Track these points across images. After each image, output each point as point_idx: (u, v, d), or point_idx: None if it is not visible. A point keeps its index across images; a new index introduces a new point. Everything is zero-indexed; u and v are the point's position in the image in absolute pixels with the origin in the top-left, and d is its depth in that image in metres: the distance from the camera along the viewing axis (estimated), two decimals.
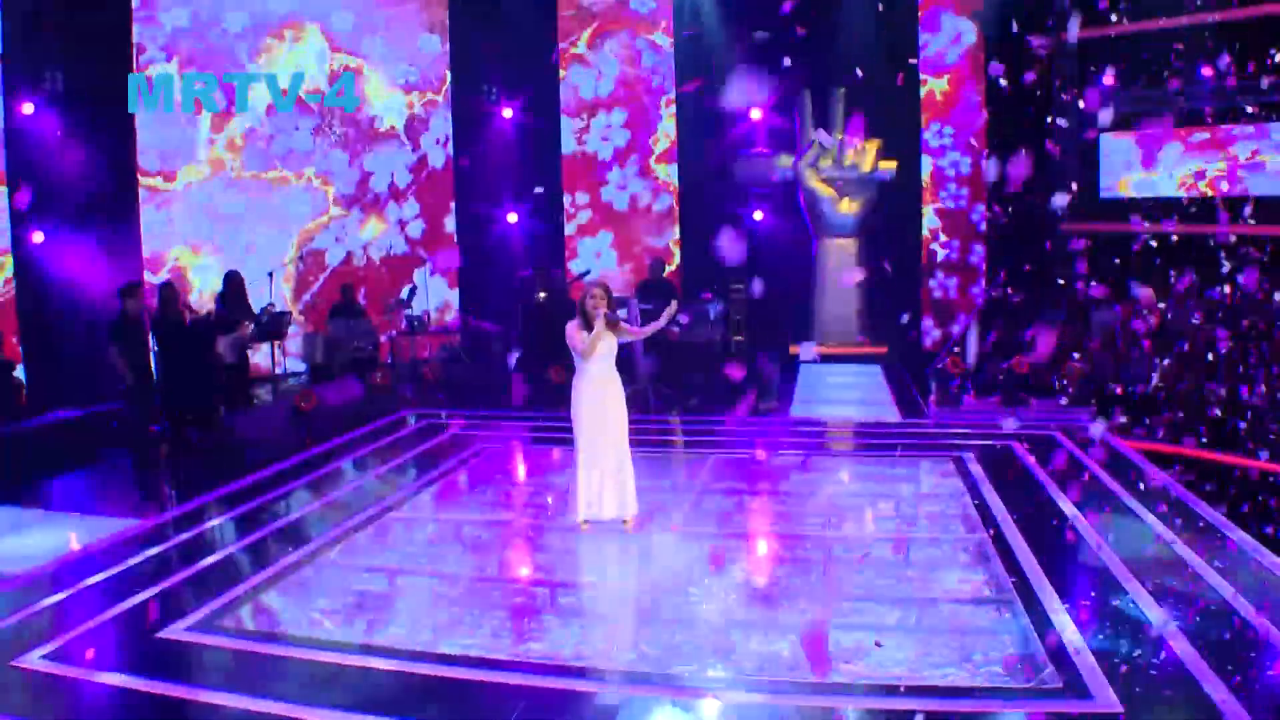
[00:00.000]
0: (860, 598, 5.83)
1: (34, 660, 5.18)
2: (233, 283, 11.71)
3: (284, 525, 7.36)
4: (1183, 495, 7.40)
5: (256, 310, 11.73)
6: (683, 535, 7.00)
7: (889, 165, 14.52)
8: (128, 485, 8.77)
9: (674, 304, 6.91)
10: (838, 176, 14.63)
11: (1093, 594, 5.55)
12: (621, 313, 12.05)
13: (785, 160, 14.80)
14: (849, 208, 14.68)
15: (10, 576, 6.41)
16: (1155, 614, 5.28)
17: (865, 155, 14.56)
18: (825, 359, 14.27)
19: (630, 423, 7.06)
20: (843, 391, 11.80)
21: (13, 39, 10.93)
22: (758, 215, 15.08)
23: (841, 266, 14.81)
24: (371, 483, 8.59)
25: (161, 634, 5.49)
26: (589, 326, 6.79)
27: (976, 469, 8.29)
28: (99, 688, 4.90)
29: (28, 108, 11.35)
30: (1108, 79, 11.91)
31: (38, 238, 11.44)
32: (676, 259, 15.42)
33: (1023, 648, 5.08)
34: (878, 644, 5.10)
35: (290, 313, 12.33)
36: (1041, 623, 5.27)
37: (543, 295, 12.09)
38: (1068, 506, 7.20)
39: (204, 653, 5.29)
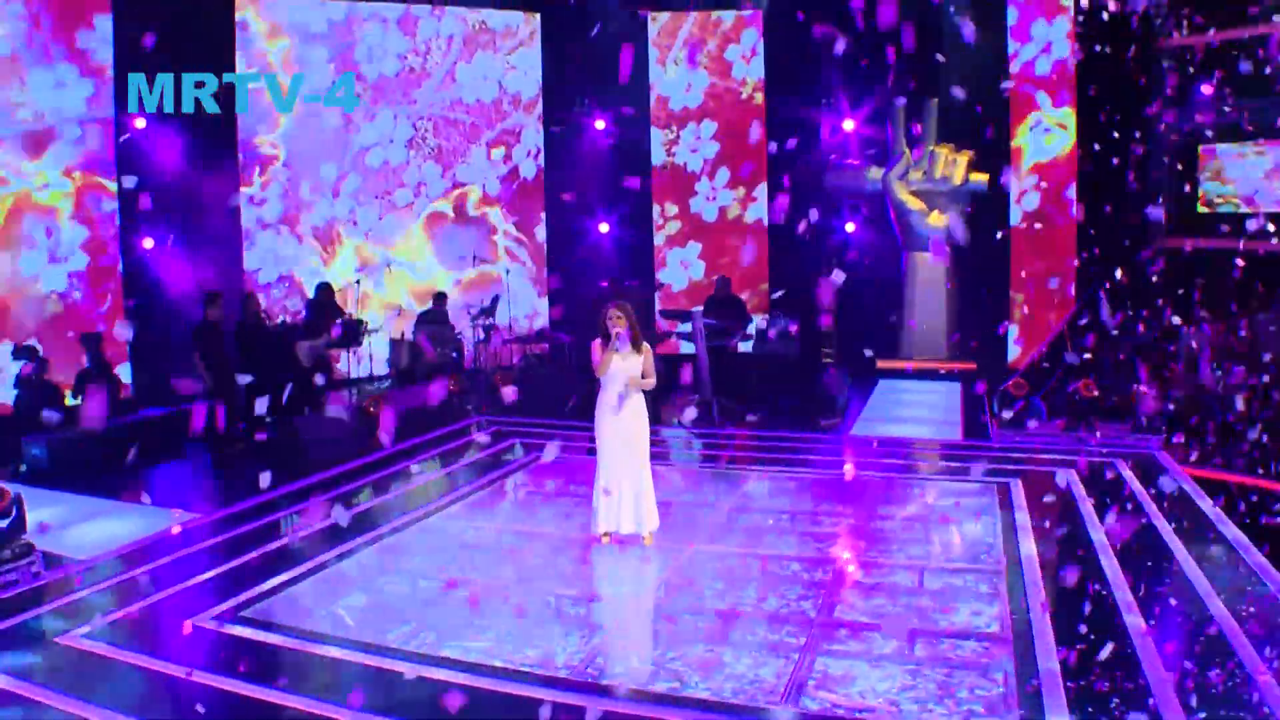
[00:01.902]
0: (865, 626, 5.75)
1: (75, 639, 5.66)
2: (323, 292, 12.26)
3: (322, 528, 7.69)
4: (1232, 535, 6.97)
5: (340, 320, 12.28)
6: (700, 553, 7.03)
7: (980, 178, 14.18)
8: (199, 481, 9.33)
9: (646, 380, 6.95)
10: (928, 189, 14.38)
11: (1090, 638, 5.32)
12: (685, 327, 12.24)
13: (875, 172, 14.63)
14: (938, 221, 14.39)
15: (76, 561, 6.98)
16: (1151, 664, 5.04)
17: (956, 167, 14.26)
18: (909, 374, 14.02)
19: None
20: (914, 410, 11.55)
21: (124, 56, 11.69)
22: (850, 227, 14.91)
23: (931, 280, 14.59)
24: (421, 487, 8.90)
25: (192, 621, 5.90)
26: (612, 344, 6.90)
27: (1021, 497, 8.01)
28: (125, 668, 5.31)
29: (140, 122, 12.15)
30: (1206, 88, 11.31)
31: (147, 244, 12.25)
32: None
33: (1008, 688, 4.94)
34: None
35: (366, 321, 12.82)
36: (1026, 664, 5.11)
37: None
38: (1101, 543, 6.88)
39: (226, 640, 5.68)
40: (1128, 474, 8.53)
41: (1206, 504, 7.68)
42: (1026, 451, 9.42)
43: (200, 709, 4.83)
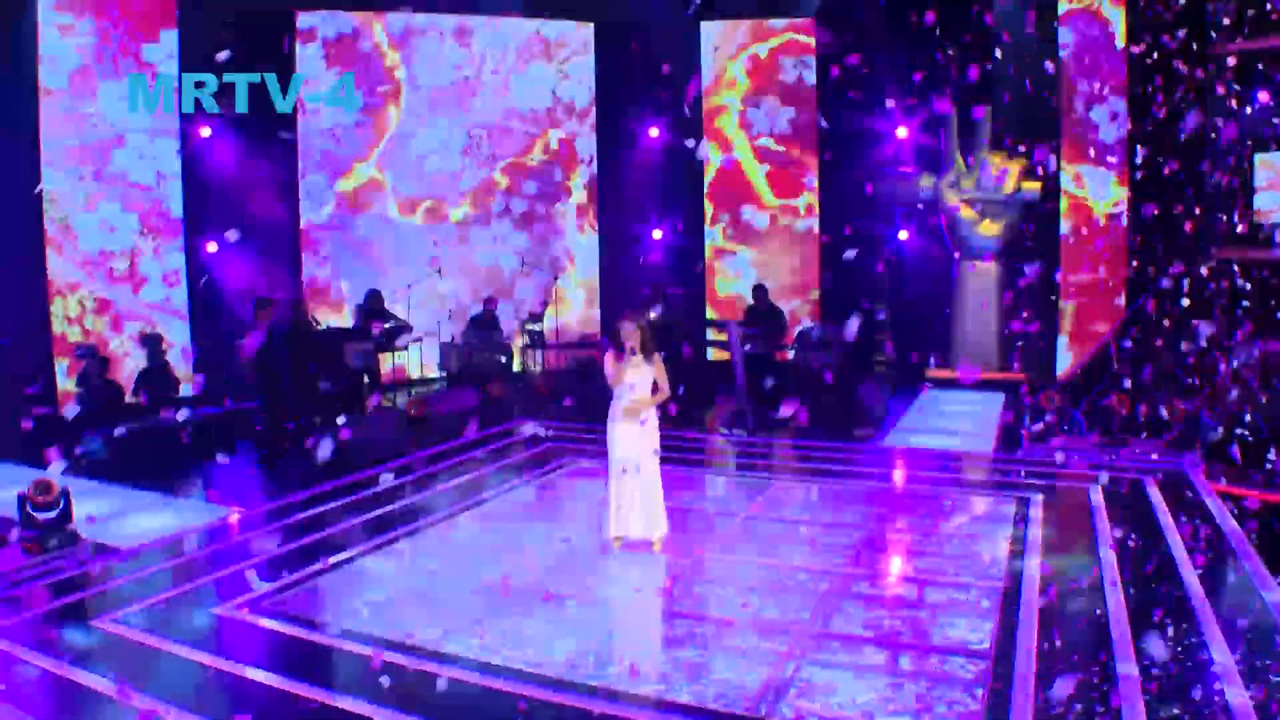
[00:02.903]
0: (857, 639, 5.81)
1: (107, 623, 6.08)
2: (373, 298, 12.67)
3: (351, 525, 8.05)
4: (1249, 559, 6.81)
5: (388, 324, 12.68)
6: (708, 560, 7.16)
7: (1033, 186, 14.00)
8: (244, 478, 9.76)
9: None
10: (979, 197, 14.26)
11: (1072, 660, 5.33)
12: (721, 336, 12.35)
13: (927, 180, 14.54)
14: (990, 229, 14.26)
15: (121, 550, 7.44)
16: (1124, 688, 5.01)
17: (1008, 176, 14.10)
18: (956, 384, 13.89)
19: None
20: (952, 420, 11.47)
21: (189, 68, 12.25)
22: (903, 235, 14.86)
23: (983, 290, 14.44)
24: (453, 489, 9.16)
25: (217, 610, 6.32)
26: (625, 356, 7.11)
27: (1037, 512, 7.95)
28: (152, 652, 5.69)
29: (205, 131, 12.70)
30: (1264, 95, 11.02)
31: (211, 248, 12.79)
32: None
33: (983, 704, 4.98)
34: None
35: (410, 326, 13.16)
36: (1002, 682, 5.14)
37: (653, 316, 12.40)
38: (1109, 562, 6.78)
39: (247, 629, 6.06)
40: (1153, 492, 8.38)
41: (1230, 525, 7.49)
42: (1053, 466, 9.32)
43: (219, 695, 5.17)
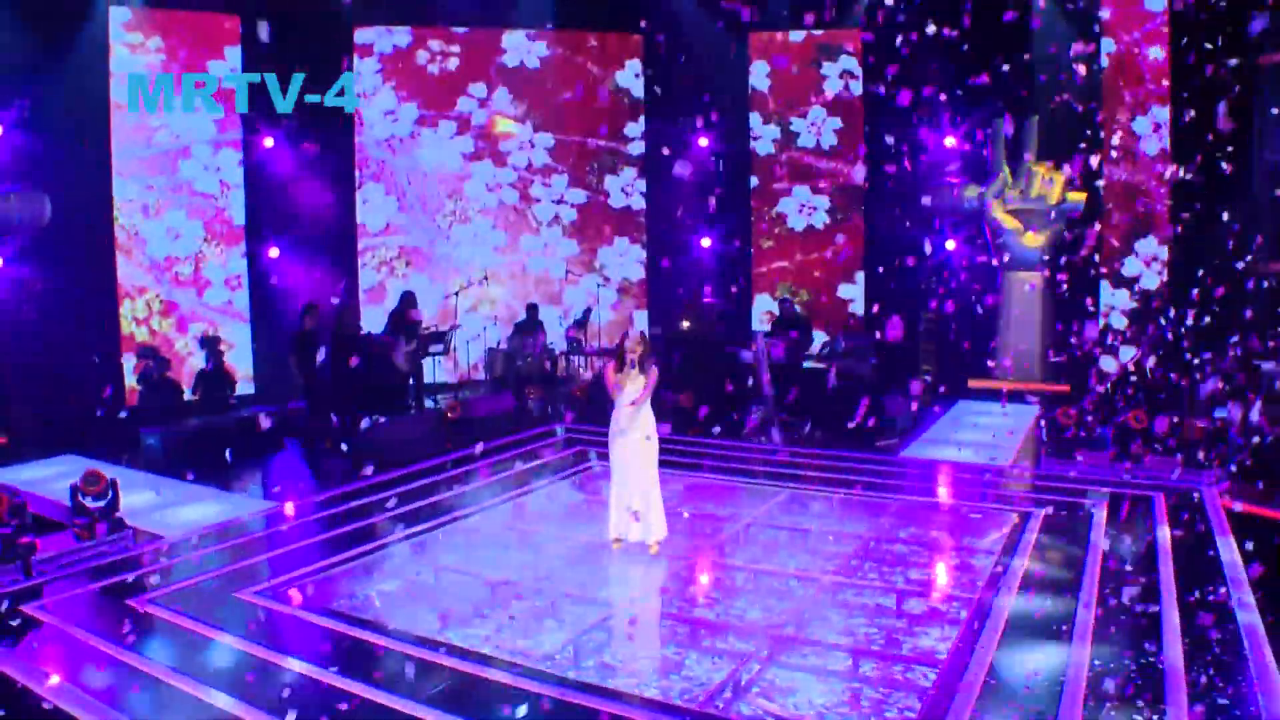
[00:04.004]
0: (830, 644, 6.03)
1: (141, 601, 6.68)
2: (405, 302, 13.22)
3: (377, 520, 8.51)
4: (1234, 575, 6.84)
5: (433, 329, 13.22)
6: (702, 563, 7.44)
7: (1077, 197, 13.92)
8: (286, 474, 10.33)
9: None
10: (1023, 208, 14.21)
11: (1029, 676, 5.50)
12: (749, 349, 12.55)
13: (973, 190, 14.54)
14: (1034, 240, 14.20)
15: (162, 538, 8.05)
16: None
17: (1053, 186, 14.03)
18: (992, 396, 13.84)
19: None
20: (979, 433, 11.49)
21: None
22: (950, 244, 14.88)
23: (1027, 300, 14.37)
24: (476, 489, 9.58)
25: (237, 594, 6.84)
26: (625, 368, 7.45)
27: (1035, 527, 8.01)
28: (177, 631, 6.26)
29: (268, 141, 13.40)
30: None
31: (273, 253, 13.48)
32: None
33: (925, 707, 5.20)
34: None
35: (447, 331, 13.62)
36: (949, 690, 5.33)
37: (685, 324, 12.70)
38: (1091, 581, 6.81)
39: (261, 612, 6.56)
40: (1160, 510, 8.36)
41: (1230, 549, 7.42)
42: (1064, 481, 9.34)
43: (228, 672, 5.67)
